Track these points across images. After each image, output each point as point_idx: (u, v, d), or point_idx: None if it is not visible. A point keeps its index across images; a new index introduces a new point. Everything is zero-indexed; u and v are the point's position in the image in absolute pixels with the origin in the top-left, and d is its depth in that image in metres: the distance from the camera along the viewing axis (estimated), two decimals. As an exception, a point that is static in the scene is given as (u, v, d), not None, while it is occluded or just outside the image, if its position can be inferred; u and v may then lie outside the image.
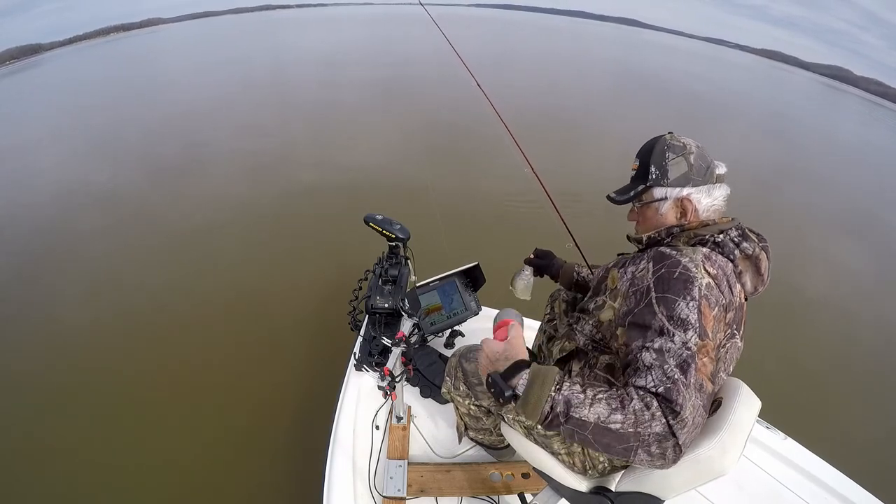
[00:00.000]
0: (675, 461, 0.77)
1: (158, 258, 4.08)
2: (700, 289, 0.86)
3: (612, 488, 1.19)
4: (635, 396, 0.77)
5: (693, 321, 0.83)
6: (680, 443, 0.75)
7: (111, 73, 17.53)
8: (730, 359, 1.01)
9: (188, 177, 5.93)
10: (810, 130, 14.15)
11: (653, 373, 0.80)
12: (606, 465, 1.21)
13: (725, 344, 0.96)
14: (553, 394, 0.81)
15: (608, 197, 1.17)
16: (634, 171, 1.13)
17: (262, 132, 7.53)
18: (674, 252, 0.95)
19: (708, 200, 1.04)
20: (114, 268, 3.98)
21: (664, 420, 0.75)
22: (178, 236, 4.44)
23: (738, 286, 0.97)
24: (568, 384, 0.83)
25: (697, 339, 0.82)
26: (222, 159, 6.46)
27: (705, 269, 0.91)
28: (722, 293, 0.92)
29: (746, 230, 1.04)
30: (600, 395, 0.80)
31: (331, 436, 1.77)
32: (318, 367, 2.76)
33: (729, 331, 0.96)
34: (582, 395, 0.80)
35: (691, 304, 0.84)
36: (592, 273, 1.51)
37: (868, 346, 3.64)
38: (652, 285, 0.89)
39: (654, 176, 1.07)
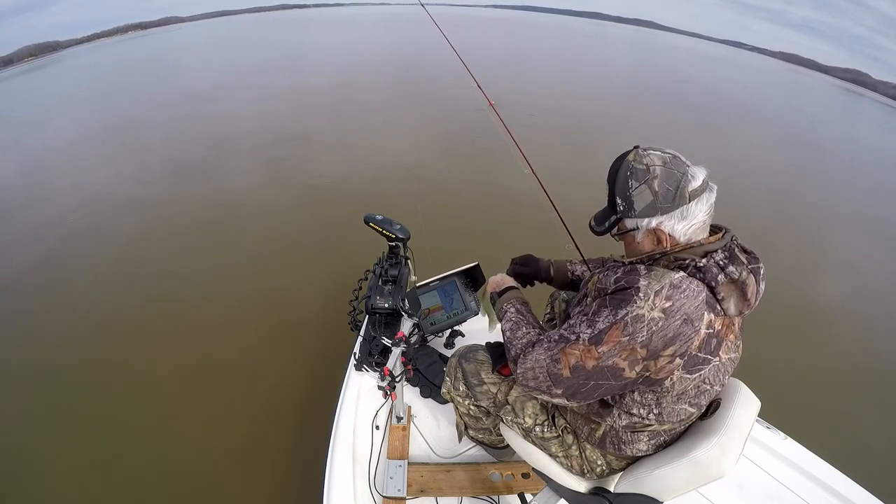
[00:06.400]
0: (514, 376, 1.12)
1: (160, 260, 4.12)
2: (627, 314, 0.93)
3: (611, 489, 1.18)
4: (534, 333, 1.14)
5: (598, 328, 0.97)
6: (518, 371, 1.08)
7: (135, 72, 17.68)
8: (714, 380, 1.00)
9: (187, 178, 5.98)
10: (827, 133, 13.89)
11: (555, 332, 1.07)
12: (605, 468, 1.20)
13: (694, 370, 0.95)
14: (506, 306, 1.27)
15: (590, 225, 1.14)
16: (607, 196, 1.10)
17: (266, 133, 7.58)
18: (643, 272, 0.97)
19: (683, 225, 0.98)
20: (116, 268, 4.04)
21: (516, 353, 1.11)
22: (180, 238, 4.48)
23: (710, 316, 0.93)
24: (517, 308, 1.24)
25: (586, 340, 0.98)
26: (225, 159, 6.51)
27: (655, 302, 0.91)
28: (665, 328, 0.91)
29: (736, 250, 0.98)
30: (522, 321, 1.19)
31: (331, 436, 1.78)
32: (318, 367, 2.77)
33: (687, 359, 0.94)
34: (515, 314, 1.22)
35: (609, 318, 0.96)
36: (589, 269, 1.49)
37: (869, 346, 3.59)
38: (609, 290, 1.01)
39: (621, 208, 1.03)
